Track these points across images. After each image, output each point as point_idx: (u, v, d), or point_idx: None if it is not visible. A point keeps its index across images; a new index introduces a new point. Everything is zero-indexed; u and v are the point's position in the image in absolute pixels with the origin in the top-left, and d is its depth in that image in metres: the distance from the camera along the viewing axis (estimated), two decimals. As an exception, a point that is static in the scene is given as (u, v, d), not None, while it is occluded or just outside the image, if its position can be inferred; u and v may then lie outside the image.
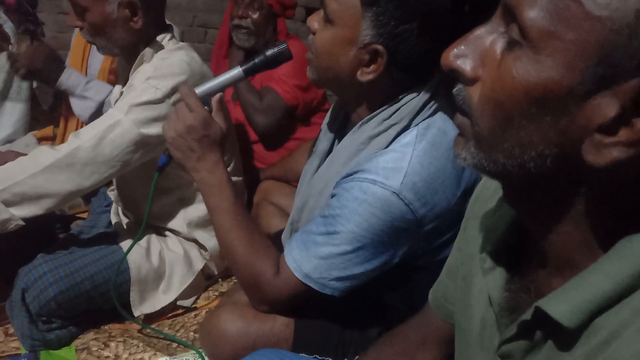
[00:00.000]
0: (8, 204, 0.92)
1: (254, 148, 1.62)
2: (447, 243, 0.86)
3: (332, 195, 0.85)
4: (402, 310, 0.96)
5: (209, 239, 1.21)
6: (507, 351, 0.46)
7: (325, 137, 0.96)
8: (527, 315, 0.42)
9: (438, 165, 0.80)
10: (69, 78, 1.35)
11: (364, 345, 0.95)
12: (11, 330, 1.05)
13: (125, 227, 1.22)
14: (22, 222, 0.94)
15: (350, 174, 0.83)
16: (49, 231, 1.16)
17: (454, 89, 0.43)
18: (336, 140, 0.96)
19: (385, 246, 0.82)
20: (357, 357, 0.82)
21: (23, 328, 0.99)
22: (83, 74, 1.46)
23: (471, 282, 0.54)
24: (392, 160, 0.80)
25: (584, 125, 0.36)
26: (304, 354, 0.85)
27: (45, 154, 0.95)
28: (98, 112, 1.39)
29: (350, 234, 0.80)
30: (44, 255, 1.02)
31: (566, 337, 0.40)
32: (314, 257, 0.83)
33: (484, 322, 0.51)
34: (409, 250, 0.84)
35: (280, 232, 1.10)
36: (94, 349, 1.02)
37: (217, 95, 0.88)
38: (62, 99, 1.61)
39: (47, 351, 1.00)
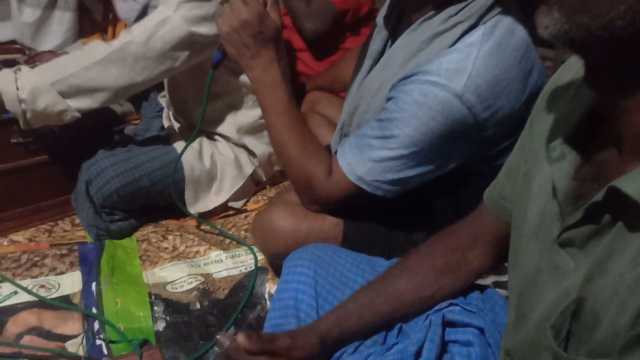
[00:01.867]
0: (64, 95, 0.94)
1: (299, 56, 1.59)
2: (506, 150, 0.83)
3: (389, 99, 0.83)
4: (449, 217, 0.96)
5: (257, 145, 1.23)
6: (569, 238, 0.46)
7: (378, 37, 0.92)
8: (598, 196, 0.42)
9: (504, 67, 0.76)
10: None
11: (409, 247, 0.97)
12: (77, 221, 1.13)
13: (177, 131, 1.25)
14: (77, 114, 0.97)
15: (409, 76, 0.80)
16: (106, 131, 1.21)
17: None
18: (389, 41, 0.93)
19: (442, 151, 0.80)
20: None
21: (88, 218, 1.06)
22: None
23: (533, 177, 0.53)
24: (455, 60, 0.76)
25: None
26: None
27: (99, 48, 0.97)
28: (143, 15, 1.38)
29: (407, 138, 0.79)
30: (105, 151, 1.06)
31: (638, 218, 0.39)
32: (368, 161, 0.83)
33: (542, 215, 0.50)
34: (466, 155, 0.82)
35: (328, 142, 1.10)
36: (154, 240, 1.08)
37: None
38: (109, 6, 1.61)
39: (111, 240, 1.07)
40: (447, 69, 0.76)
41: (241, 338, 0.59)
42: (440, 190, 0.93)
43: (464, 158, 0.83)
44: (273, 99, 0.89)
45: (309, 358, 0.62)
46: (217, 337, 0.60)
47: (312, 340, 0.62)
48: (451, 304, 0.68)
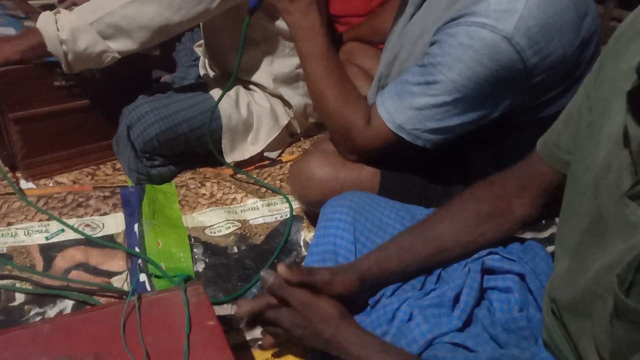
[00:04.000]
0: (103, 35, 0.94)
1: (340, 20, 1.53)
2: (554, 100, 0.81)
3: (432, 43, 0.81)
4: (488, 172, 0.95)
5: (293, 96, 1.22)
6: None
7: None
8: None
9: (558, 8, 0.72)
10: None
11: (446, 201, 0.96)
12: (118, 166, 1.15)
13: (212, 79, 1.25)
14: (117, 55, 0.97)
15: (455, 18, 0.76)
16: (146, 77, 1.21)
17: None
18: None
19: (487, 98, 0.78)
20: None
21: (129, 163, 1.08)
22: None
23: (600, 126, 0.51)
24: (505, 0, 0.73)
25: None
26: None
27: None
28: None
29: (450, 83, 0.77)
30: (145, 97, 1.07)
31: None
32: (408, 108, 0.81)
33: (609, 166, 0.48)
34: (512, 104, 0.80)
35: (365, 95, 1.08)
36: (192, 186, 1.11)
37: None
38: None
39: (151, 185, 1.10)
40: (496, 9, 0.72)
41: (281, 268, 0.61)
42: (480, 143, 0.91)
43: (508, 107, 0.80)
44: (312, 45, 0.88)
45: (348, 295, 0.63)
46: (262, 273, 0.62)
47: (351, 277, 0.64)
48: (490, 252, 0.68)
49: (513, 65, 0.73)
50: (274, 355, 0.75)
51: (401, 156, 0.92)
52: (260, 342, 0.77)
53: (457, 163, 0.96)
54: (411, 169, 0.94)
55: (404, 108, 0.82)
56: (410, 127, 0.82)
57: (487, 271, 0.67)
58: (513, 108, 0.81)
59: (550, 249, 0.92)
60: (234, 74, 0.99)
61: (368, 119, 0.86)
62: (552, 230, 1.04)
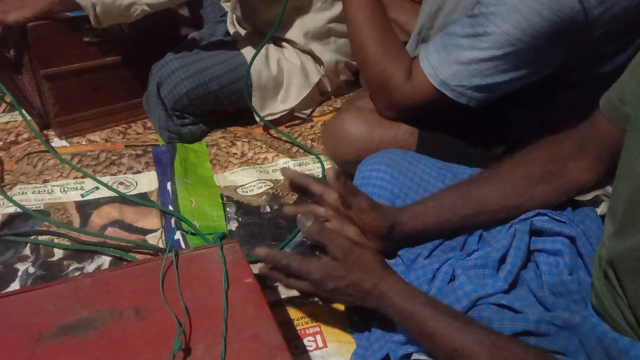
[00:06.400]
0: None
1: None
2: (611, 55, 0.75)
3: None
4: (532, 131, 0.90)
5: (324, 52, 1.18)
6: None
7: None
8: None
9: None
10: None
11: (485, 162, 0.93)
12: (148, 124, 1.15)
13: (242, 36, 1.21)
14: (147, 8, 0.95)
15: None
16: (174, 33, 1.18)
17: None
18: None
19: (541, 53, 0.72)
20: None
21: (160, 121, 1.07)
22: None
23: None
24: None
25: None
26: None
27: None
28: None
29: (503, 35, 0.71)
30: (173, 53, 1.05)
31: None
32: (454, 63, 0.76)
33: None
34: (566, 60, 0.74)
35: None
36: (223, 145, 1.09)
37: None
38: None
39: (183, 144, 1.09)
40: None
41: (330, 174, 0.61)
42: (527, 102, 0.86)
43: (562, 63, 0.75)
44: None
45: (374, 234, 0.62)
46: (299, 216, 0.59)
47: (384, 221, 0.61)
48: (539, 214, 0.65)
49: (574, 17, 0.67)
50: (310, 314, 0.74)
51: (441, 114, 0.88)
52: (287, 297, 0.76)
53: (499, 122, 0.92)
54: (450, 128, 0.90)
55: (449, 62, 0.77)
56: (455, 83, 0.78)
57: (535, 232, 0.64)
58: (567, 64, 0.75)
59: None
60: (271, 31, 0.94)
61: (409, 72, 0.82)
62: (595, 192, 1.00)
